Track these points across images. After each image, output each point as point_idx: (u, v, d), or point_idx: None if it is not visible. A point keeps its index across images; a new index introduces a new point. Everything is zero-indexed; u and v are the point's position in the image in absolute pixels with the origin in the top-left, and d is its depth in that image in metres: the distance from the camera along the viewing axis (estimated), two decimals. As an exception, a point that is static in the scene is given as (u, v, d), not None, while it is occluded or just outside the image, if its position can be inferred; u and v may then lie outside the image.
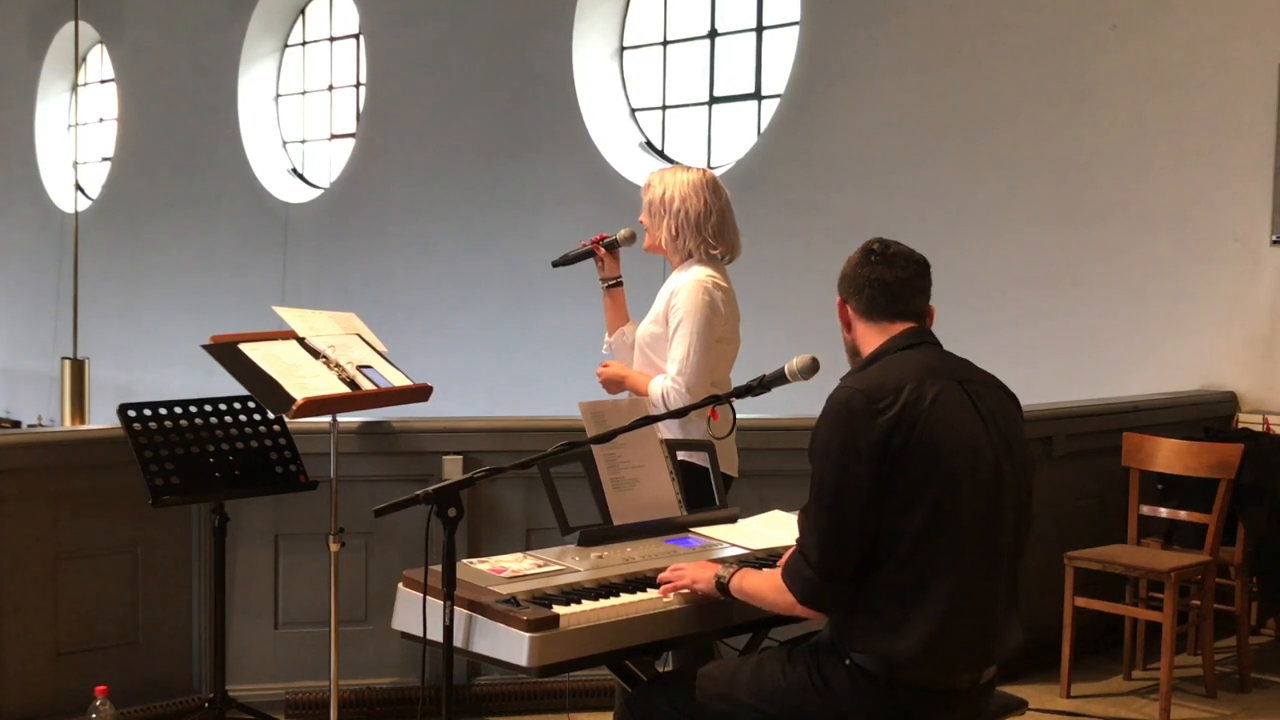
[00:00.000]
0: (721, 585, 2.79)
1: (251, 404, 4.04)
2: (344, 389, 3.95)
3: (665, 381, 3.67)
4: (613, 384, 3.86)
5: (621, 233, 4.01)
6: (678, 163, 9.18)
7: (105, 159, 14.47)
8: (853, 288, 2.77)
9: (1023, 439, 2.76)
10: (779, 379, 2.98)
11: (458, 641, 2.66)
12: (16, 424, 14.39)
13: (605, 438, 3.02)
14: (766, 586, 2.73)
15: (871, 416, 2.55)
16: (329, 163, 12.24)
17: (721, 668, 2.86)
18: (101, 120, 14.82)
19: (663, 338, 3.74)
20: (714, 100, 9.31)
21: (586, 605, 2.71)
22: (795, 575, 2.64)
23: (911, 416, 2.56)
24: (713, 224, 3.76)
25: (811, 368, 2.94)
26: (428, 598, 2.70)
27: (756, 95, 9.02)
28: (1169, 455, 5.06)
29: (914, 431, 2.55)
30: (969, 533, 2.59)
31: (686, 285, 3.69)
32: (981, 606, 2.63)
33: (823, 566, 2.59)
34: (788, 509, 3.46)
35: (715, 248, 3.77)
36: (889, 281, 2.74)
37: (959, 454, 2.59)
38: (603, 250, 3.99)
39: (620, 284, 4.04)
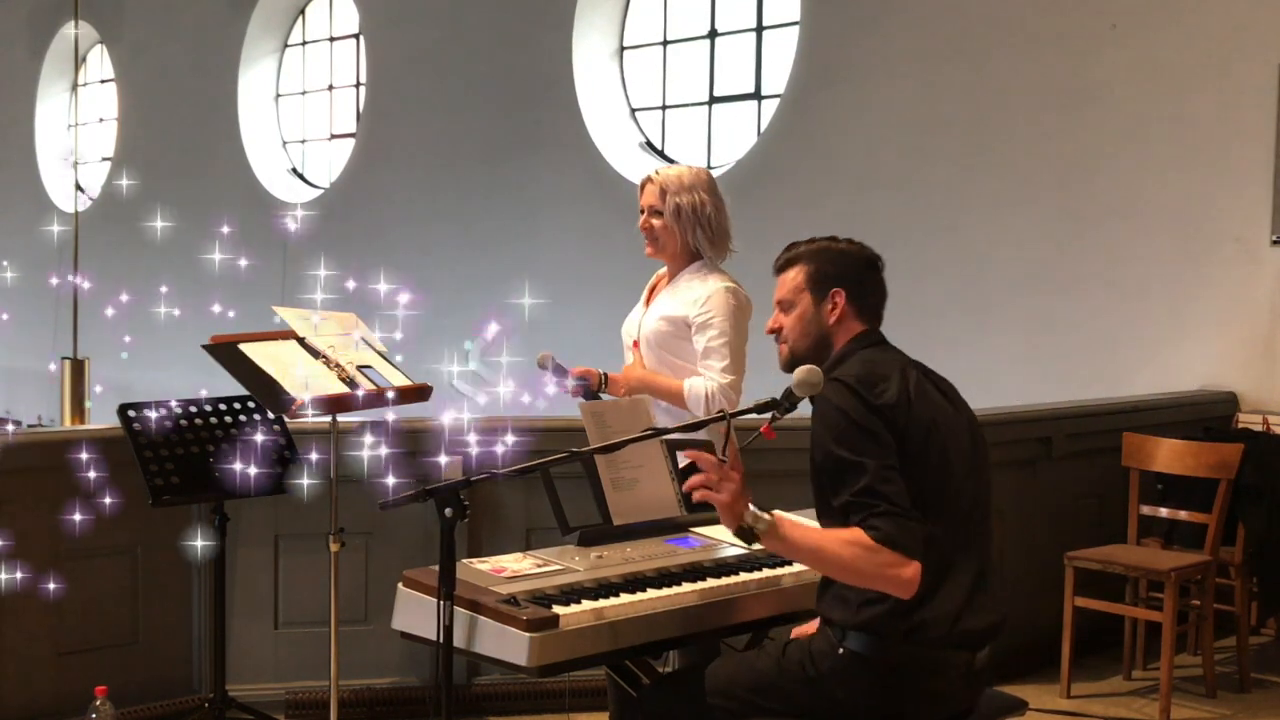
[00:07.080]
0: (745, 532, 2.63)
1: (251, 404, 4.04)
2: (344, 389, 3.95)
3: (711, 381, 3.63)
4: (640, 390, 3.67)
5: (540, 357, 3.81)
6: (675, 162, 9.23)
7: (105, 159, 14.46)
8: (858, 289, 2.90)
9: (979, 426, 2.91)
10: (790, 397, 2.72)
11: (458, 641, 2.66)
12: (16, 424, 14.37)
13: (611, 448, 3.00)
14: (832, 539, 2.61)
15: (874, 398, 2.68)
16: (329, 163, 12.23)
17: (723, 664, 2.89)
18: (101, 120, 14.81)
19: (676, 336, 3.74)
20: (714, 100, 9.30)
21: (586, 605, 2.71)
22: (889, 529, 2.57)
23: (906, 399, 2.71)
24: (716, 222, 3.78)
25: (813, 381, 2.67)
26: (428, 598, 2.71)
27: (756, 95, 9.02)
28: (1169, 455, 5.06)
29: (910, 413, 2.70)
30: (956, 509, 2.73)
31: (716, 292, 3.70)
32: (967, 579, 2.72)
33: (902, 508, 2.59)
34: (784, 509, 3.44)
35: (716, 246, 3.79)
36: (884, 293, 2.95)
37: (947, 434, 2.75)
38: (573, 384, 3.80)
39: (605, 377, 3.87)
